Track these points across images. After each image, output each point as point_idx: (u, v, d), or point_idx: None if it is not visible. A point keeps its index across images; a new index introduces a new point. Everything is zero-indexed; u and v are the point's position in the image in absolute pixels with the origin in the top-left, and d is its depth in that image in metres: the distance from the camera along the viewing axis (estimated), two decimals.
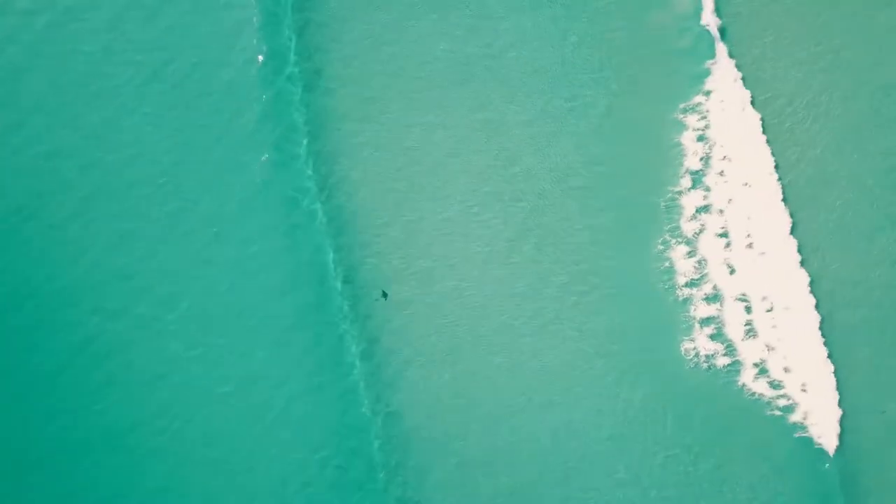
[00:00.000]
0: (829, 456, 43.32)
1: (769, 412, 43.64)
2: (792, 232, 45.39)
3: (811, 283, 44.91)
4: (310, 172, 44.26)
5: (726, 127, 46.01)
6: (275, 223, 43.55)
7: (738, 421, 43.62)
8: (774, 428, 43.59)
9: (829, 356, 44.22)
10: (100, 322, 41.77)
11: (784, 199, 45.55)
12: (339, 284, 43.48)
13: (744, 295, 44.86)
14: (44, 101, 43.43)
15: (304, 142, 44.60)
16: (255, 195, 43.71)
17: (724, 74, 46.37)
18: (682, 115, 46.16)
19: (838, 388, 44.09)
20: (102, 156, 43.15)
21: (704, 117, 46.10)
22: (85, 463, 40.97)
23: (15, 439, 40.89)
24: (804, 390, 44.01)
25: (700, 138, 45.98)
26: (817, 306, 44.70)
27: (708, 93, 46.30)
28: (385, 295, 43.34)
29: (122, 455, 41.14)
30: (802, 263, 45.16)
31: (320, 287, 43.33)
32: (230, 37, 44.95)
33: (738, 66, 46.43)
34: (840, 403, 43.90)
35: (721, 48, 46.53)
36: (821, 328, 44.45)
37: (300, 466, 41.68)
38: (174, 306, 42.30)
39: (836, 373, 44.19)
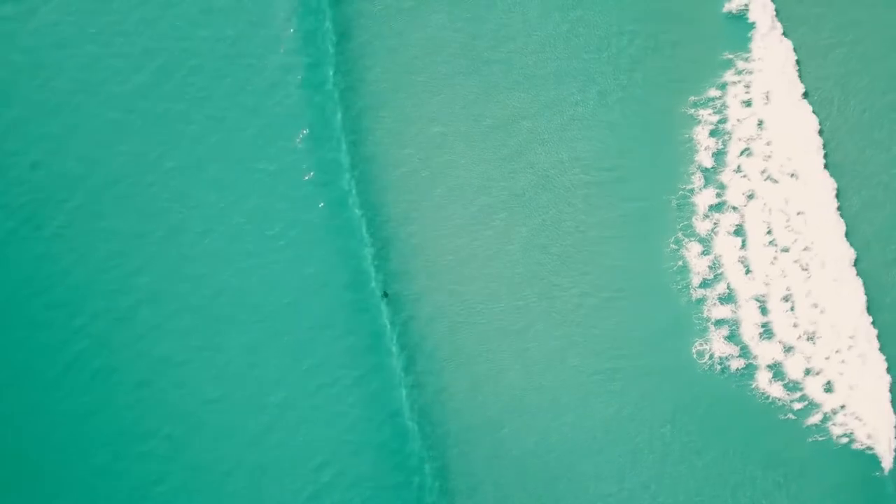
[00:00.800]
0: (875, 460, 42.38)
1: (784, 416, 42.63)
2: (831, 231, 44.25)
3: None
4: (313, 178, 44.07)
5: (756, 121, 44.78)
6: (274, 231, 43.32)
7: (752, 424, 42.69)
8: (791, 432, 42.58)
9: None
10: (85, 327, 41.88)
11: (824, 195, 44.30)
12: (339, 292, 43.20)
13: (761, 295, 43.64)
14: (30, 109, 43.56)
15: (307, 147, 44.24)
16: (256, 202, 43.57)
17: (764, 66, 45.07)
18: (693, 110, 44.91)
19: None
20: (92, 161, 43.11)
21: (719, 111, 44.82)
22: (74, 470, 41.21)
23: None
24: (827, 391, 42.95)
25: (713, 133, 44.75)
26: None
27: (723, 86, 44.93)
28: (386, 295, 42.96)
29: (109, 462, 41.36)
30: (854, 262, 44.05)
31: (319, 293, 42.98)
32: (232, 36, 44.92)
33: (795, 54, 45.26)
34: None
35: (766, 37, 45.19)
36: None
37: (299, 479, 41.53)
38: (162, 310, 42.35)
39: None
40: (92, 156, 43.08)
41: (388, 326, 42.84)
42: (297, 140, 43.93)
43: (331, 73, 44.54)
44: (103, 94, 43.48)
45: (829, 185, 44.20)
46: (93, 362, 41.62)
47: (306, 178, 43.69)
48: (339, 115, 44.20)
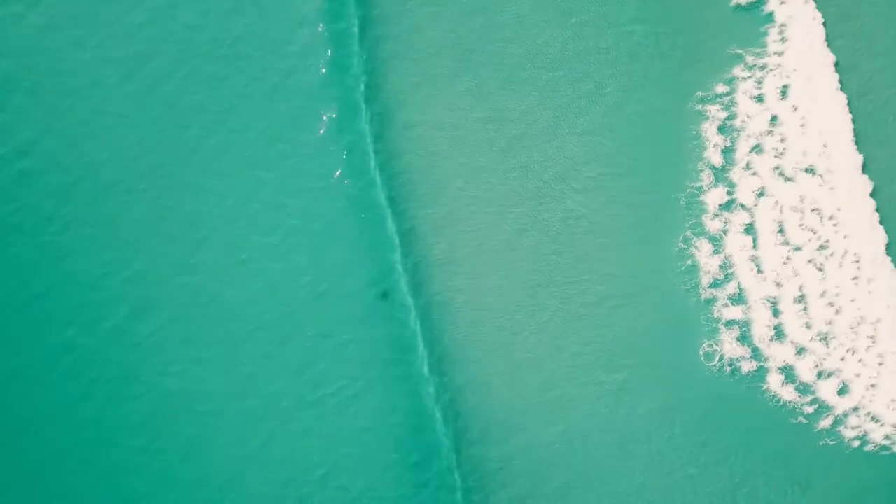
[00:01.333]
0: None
1: (795, 419, 42.02)
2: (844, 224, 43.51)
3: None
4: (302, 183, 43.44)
5: (769, 116, 43.85)
6: (274, 238, 42.61)
7: (760, 428, 42.06)
8: (801, 435, 41.96)
9: None
10: (77, 338, 41.23)
11: (856, 190, 43.58)
12: (340, 300, 42.55)
13: (772, 296, 42.87)
14: (19, 114, 42.72)
15: (307, 152, 43.52)
16: (256, 208, 42.80)
17: (782, 60, 44.19)
18: (700, 106, 44.01)
19: None
20: (75, 162, 42.34)
21: (727, 107, 43.96)
22: (66, 484, 40.74)
23: None
24: (842, 393, 42.33)
25: (722, 129, 43.86)
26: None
27: (731, 81, 44.05)
28: (385, 296, 42.49)
29: (101, 476, 40.88)
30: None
31: (319, 301, 42.30)
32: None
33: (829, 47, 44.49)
34: None
35: (787, 29, 44.27)
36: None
37: (292, 487, 41.10)
38: (152, 319, 41.76)
39: None
40: (84, 162, 42.37)
41: (394, 335, 42.36)
42: (299, 144, 43.23)
43: (339, 77, 43.84)
44: (95, 98, 42.65)
45: (862, 181, 43.51)
46: (85, 374, 41.08)
47: (307, 184, 43.00)
48: (356, 119, 43.54)
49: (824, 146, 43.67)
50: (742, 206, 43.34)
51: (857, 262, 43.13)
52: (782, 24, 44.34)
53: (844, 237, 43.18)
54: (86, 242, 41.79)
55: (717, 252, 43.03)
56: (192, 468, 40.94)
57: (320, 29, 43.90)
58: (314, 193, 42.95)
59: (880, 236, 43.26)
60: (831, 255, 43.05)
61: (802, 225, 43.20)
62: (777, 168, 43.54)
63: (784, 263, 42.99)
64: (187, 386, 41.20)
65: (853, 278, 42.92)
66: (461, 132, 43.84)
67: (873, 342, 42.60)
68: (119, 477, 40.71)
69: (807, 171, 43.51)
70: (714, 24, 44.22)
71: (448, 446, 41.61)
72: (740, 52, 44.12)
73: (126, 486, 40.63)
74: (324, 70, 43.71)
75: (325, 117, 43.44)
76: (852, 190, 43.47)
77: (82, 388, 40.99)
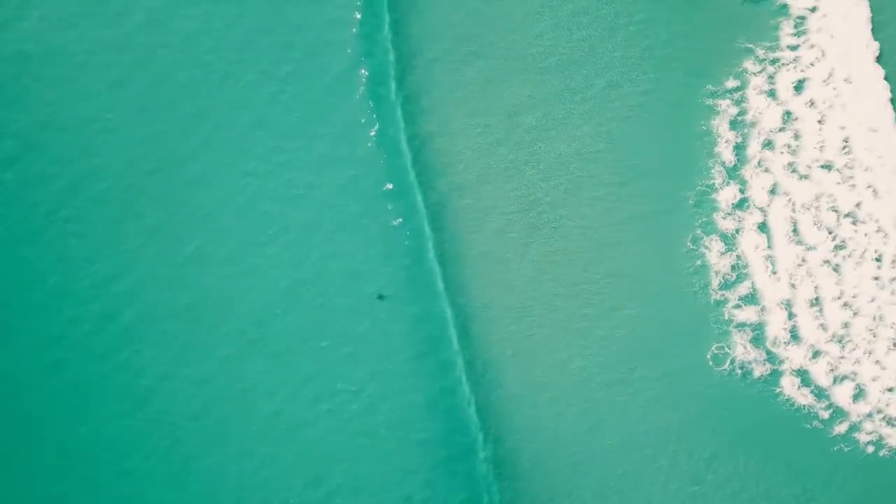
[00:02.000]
0: None
1: (809, 424, 40.94)
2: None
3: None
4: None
5: (782, 112, 43.07)
6: (266, 241, 42.13)
7: (771, 433, 41.01)
8: (814, 441, 40.83)
9: None
10: (62, 351, 40.61)
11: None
12: (334, 300, 41.96)
13: (787, 298, 41.95)
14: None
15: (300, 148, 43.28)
16: (250, 208, 42.46)
17: (799, 53, 43.56)
18: (711, 100, 43.28)
19: None
20: (61, 167, 42.00)
21: (739, 102, 43.16)
22: (53, 490, 40.10)
23: None
24: (858, 397, 41.29)
25: (733, 125, 43.04)
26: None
27: (741, 74, 43.23)
28: (381, 298, 42.02)
29: (89, 494, 40.21)
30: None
31: (310, 309, 41.76)
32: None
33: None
34: None
35: (809, 21, 43.74)
36: None
37: (290, 498, 40.33)
38: (143, 332, 41.20)
39: None
40: (73, 171, 42.06)
41: (394, 347, 41.67)
42: (298, 151, 42.87)
43: (338, 81, 43.45)
44: (84, 105, 42.38)
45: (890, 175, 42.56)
46: (74, 392, 40.44)
47: (306, 192, 42.58)
48: (356, 123, 43.12)
49: (845, 141, 42.70)
50: (755, 204, 42.48)
51: (878, 260, 42.12)
52: (798, 17, 43.48)
53: (865, 235, 42.23)
54: (74, 254, 41.41)
55: (728, 251, 42.20)
56: (188, 487, 40.25)
57: (320, 33, 43.66)
58: (312, 202, 42.51)
59: None
60: (849, 255, 42.13)
61: (818, 223, 42.30)
62: (791, 165, 42.70)
63: (799, 264, 42.09)
64: (180, 402, 40.58)
65: (874, 278, 41.95)
66: (459, 135, 43.43)
67: (893, 344, 41.59)
68: (111, 499, 40.17)
69: (823, 167, 42.59)
70: (723, 17, 43.61)
71: (450, 461, 40.91)
72: (750, 45, 43.37)
73: (113, 493, 40.07)
74: (323, 76, 43.42)
75: (323, 124, 43.13)
76: (878, 186, 42.46)
77: (71, 406, 40.37)
